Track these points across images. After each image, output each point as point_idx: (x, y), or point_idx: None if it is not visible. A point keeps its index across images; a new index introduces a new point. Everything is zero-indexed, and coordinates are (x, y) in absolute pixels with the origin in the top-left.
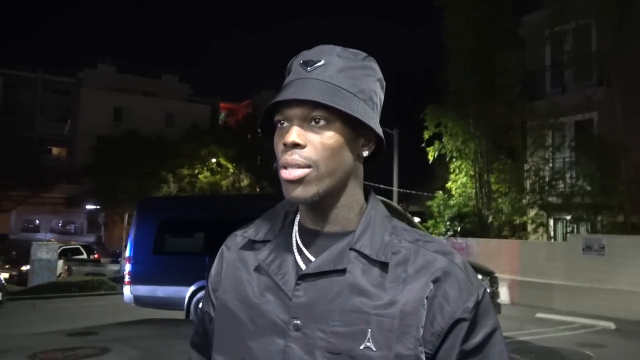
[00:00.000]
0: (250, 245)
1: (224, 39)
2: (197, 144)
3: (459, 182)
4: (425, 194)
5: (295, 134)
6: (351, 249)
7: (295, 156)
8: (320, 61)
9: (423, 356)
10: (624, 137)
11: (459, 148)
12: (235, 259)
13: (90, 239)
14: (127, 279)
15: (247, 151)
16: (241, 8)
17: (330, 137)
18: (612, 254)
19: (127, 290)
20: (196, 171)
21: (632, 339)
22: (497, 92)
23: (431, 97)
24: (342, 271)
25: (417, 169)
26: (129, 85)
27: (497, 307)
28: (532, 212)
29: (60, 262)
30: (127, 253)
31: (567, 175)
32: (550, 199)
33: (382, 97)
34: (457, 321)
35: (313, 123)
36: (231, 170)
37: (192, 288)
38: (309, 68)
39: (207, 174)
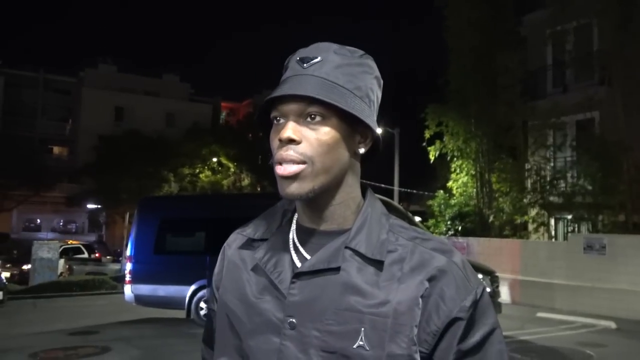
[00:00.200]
0: (249, 243)
1: (225, 39)
2: (198, 143)
3: (460, 181)
4: (426, 193)
5: (290, 129)
6: (346, 247)
7: (290, 152)
8: (316, 58)
9: (417, 356)
10: (625, 137)
11: (460, 147)
12: (236, 258)
13: (92, 238)
14: (128, 278)
15: (248, 150)
16: (242, 7)
17: (326, 133)
18: (613, 254)
19: (128, 290)
20: (197, 170)
21: (633, 339)
22: (498, 91)
23: (432, 96)
24: (337, 269)
25: (418, 169)
26: (130, 84)
27: (498, 306)
28: (533, 212)
29: (62, 261)
30: (128, 252)
31: (568, 175)
32: (551, 198)
33: (380, 96)
34: (454, 320)
35: (309, 119)
36: (232, 170)
37: (192, 287)
38: (305, 65)
39: (208, 173)
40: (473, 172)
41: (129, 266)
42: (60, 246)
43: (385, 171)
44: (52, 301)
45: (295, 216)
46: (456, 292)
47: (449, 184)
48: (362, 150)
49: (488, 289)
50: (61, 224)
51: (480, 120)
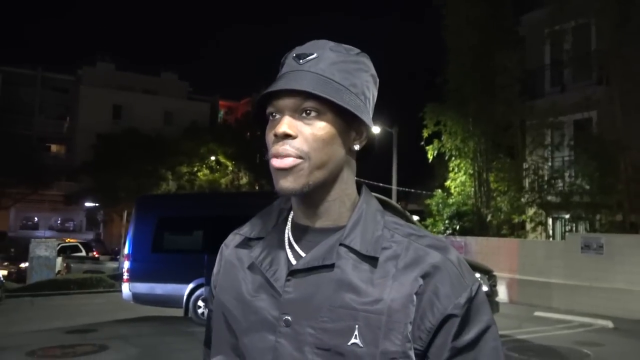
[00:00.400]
0: (246, 242)
1: (223, 37)
2: (196, 141)
3: (458, 180)
4: (424, 192)
5: (286, 124)
6: (341, 244)
7: (286, 146)
8: (312, 54)
9: (411, 353)
10: (623, 136)
11: (458, 147)
12: (233, 257)
13: (89, 236)
14: (125, 276)
15: (246, 149)
16: (241, 5)
17: (321, 128)
18: (611, 253)
19: (126, 288)
20: (195, 169)
21: (630, 338)
22: (496, 90)
23: (431, 95)
24: (331, 267)
25: (416, 168)
26: (128, 83)
27: (496, 305)
28: (530, 211)
29: (59, 260)
30: (126, 250)
31: (566, 174)
32: (549, 197)
33: (375, 94)
34: (448, 317)
35: (304, 114)
36: (230, 168)
37: (190, 286)
38: (301, 61)
39: (206, 171)
40: (471, 172)
41: (126, 264)
42: (58, 244)
43: (384, 170)
44: (50, 299)
45: (291, 214)
46: (451, 289)
47: (447, 183)
48: (357, 147)
49: (485, 288)
50: (59, 222)
51: (478, 120)
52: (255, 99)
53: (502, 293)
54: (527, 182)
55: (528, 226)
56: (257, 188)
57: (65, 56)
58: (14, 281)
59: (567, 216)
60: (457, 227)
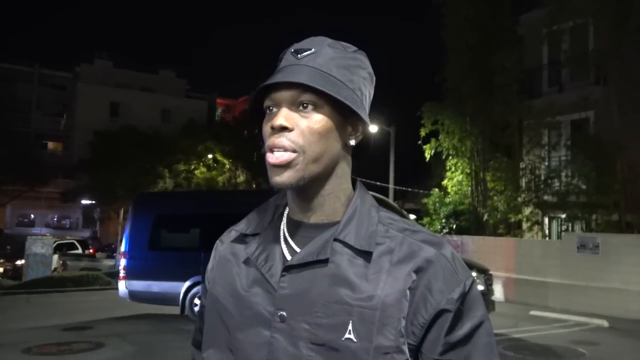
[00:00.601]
0: (242, 239)
1: (221, 35)
2: (193, 139)
3: (455, 179)
4: (421, 191)
5: (282, 117)
6: (336, 239)
7: (282, 139)
8: (310, 49)
9: (405, 347)
10: (620, 137)
11: (455, 146)
12: (227, 252)
13: (86, 234)
14: (122, 274)
15: (243, 147)
16: (239, 3)
17: (317, 121)
18: (607, 253)
19: (123, 286)
20: (192, 167)
21: (626, 337)
22: (494, 90)
23: (429, 94)
24: (325, 262)
25: (413, 167)
26: (126, 80)
27: (492, 304)
28: (527, 210)
29: (56, 257)
30: (123, 248)
31: (563, 174)
32: (545, 197)
33: (372, 92)
34: (441, 312)
35: (301, 108)
36: (227, 166)
37: (187, 283)
38: (299, 55)
39: (204, 169)
40: (468, 171)
41: (123, 262)
42: (54, 242)
43: (381, 169)
44: (46, 297)
45: (287, 210)
46: (444, 284)
47: (444, 182)
48: (352, 142)
49: (482, 287)
50: (55, 219)
51: (476, 119)
52: (253, 92)
53: (498, 292)
54: (524, 182)
55: (524, 225)
56: (254, 186)
57: (62, 53)
58: (10, 278)
59: (564, 216)
60: (454, 226)
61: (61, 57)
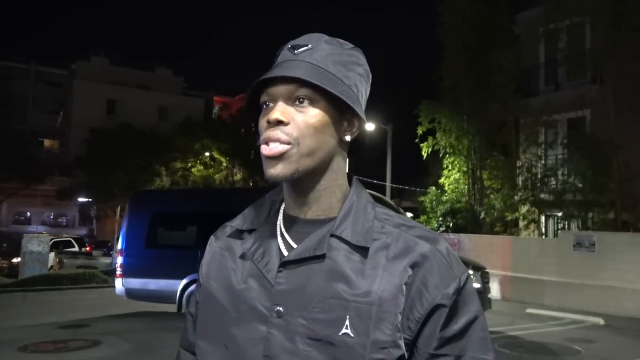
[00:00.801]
0: (237, 234)
1: (218, 33)
2: (190, 137)
3: (452, 178)
4: (418, 189)
5: (279, 111)
6: (332, 235)
7: (277, 132)
8: (307, 45)
9: (401, 342)
10: (616, 135)
11: (452, 144)
12: (222, 248)
13: (82, 231)
14: (119, 271)
15: (240, 145)
16: (237, 1)
17: (313, 116)
18: (602, 251)
19: (119, 283)
20: (189, 165)
21: (621, 335)
22: (491, 88)
23: (426, 92)
24: (322, 257)
25: (410, 165)
26: (123, 77)
27: (488, 302)
28: (524, 209)
29: (52, 255)
30: (119, 246)
31: (559, 172)
32: (542, 195)
33: (368, 89)
34: (436, 307)
35: (297, 102)
36: (224, 164)
37: (184, 281)
38: (296, 51)
39: (201, 167)
40: (465, 169)
41: (120, 260)
42: (51, 239)
43: (378, 167)
44: (43, 294)
45: (283, 206)
46: (439, 279)
47: (441, 180)
48: (348, 138)
49: (478, 285)
50: (52, 217)
51: (472, 117)
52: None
53: (495, 290)
54: (520, 180)
55: (521, 224)
56: (251, 184)
57: (59, 50)
58: (6, 276)
59: (560, 214)
60: (451, 225)
61: (57, 54)
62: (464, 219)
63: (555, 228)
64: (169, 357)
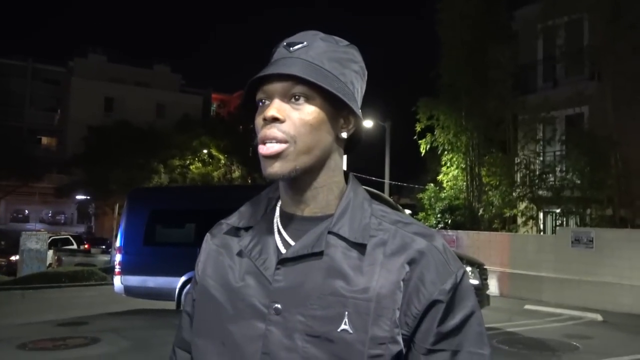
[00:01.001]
0: (234, 232)
1: (217, 30)
2: (188, 134)
3: (450, 174)
4: (416, 186)
5: (275, 108)
6: (330, 232)
7: (274, 130)
8: (303, 43)
9: (399, 338)
10: (614, 132)
11: (450, 141)
12: (219, 245)
13: (80, 229)
14: (117, 269)
15: (239, 142)
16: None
17: (309, 113)
18: (600, 247)
19: (118, 281)
20: (187, 162)
21: (619, 331)
22: (489, 85)
23: (424, 89)
24: (320, 254)
25: (409, 162)
26: (120, 75)
27: (487, 298)
28: (522, 205)
29: (50, 253)
30: (118, 243)
31: (557, 169)
32: (540, 192)
33: (364, 86)
34: (433, 303)
35: (293, 100)
36: (223, 162)
37: (182, 279)
38: (291, 49)
39: (199, 165)
40: (463, 166)
41: (118, 257)
42: (49, 237)
43: (376, 164)
44: (41, 292)
45: (279, 203)
46: (436, 275)
47: (440, 177)
48: (344, 135)
49: (476, 282)
50: (50, 215)
51: (471, 114)
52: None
53: (493, 286)
54: (518, 177)
55: (519, 220)
56: (249, 181)
57: (56, 47)
58: (4, 274)
59: (558, 210)
60: (449, 221)
61: (55, 52)
62: (463, 216)
63: (554, 224)
64: (168, 355)
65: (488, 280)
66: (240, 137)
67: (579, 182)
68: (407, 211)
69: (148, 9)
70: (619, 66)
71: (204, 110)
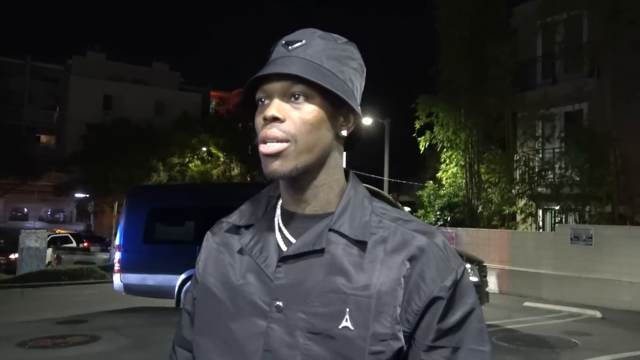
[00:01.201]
0: (235, 230)
1: (215, 28)
2: (187, 132)
3: (450, 172)
4: (416, 183)
5: (274, 108)
6: (330, 229)
7: (274, 129)
8: (301, 41)
9: (400, 334)
10: (613, 128)
11: (449, 138)
12: (219, 243)
13: (80, 227)
14: (117, 267)
15: (237, 140)
16: None
17: (309, 112)
18: (600, 244)
19: (117, 279)
20: (187, 160)
21: (618, 327)
22: (488, 82)
23: (423, 86)
24: (321, 252)
25: (408, 159)
26: (119, 73)
27: (486, 296)
28: (521, 202)
29: (49, 251)
30: (117, 241)
31: (557, 166)
32: (539, 189)
33: (363, 83)
34: (434, 300)
35: (293, 99)
36: (222, 159)
37: (182, 276)
38: (290, 47)
39: (198, 162)
40: (462, 163)
41: (117, 255)
42: (48, 235)
43: (376, 162)
44: (40, 290)
45: (280, 201)
46: (437, 272)
47: (439, 174)
48: (344, 133)
49: (476, 279)
50: (49, 213)
51: (470, 111)
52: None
53: (492, 284)
54: (517, 174)
55: (518, 217)
56: (248, 179)
57: (55, 46)
58: (3, 272)
59: (557, 207)
60: (448, 219)
61: (53, 50)
62: (462, 213)
63: (553, 221)
64: (167, 353)
65: (487, 278)
66: (239, 134)
67: (578, 179)
68: (407, 208)
69: (146, 7)
70: (618, 63)
71: (203, 108)
